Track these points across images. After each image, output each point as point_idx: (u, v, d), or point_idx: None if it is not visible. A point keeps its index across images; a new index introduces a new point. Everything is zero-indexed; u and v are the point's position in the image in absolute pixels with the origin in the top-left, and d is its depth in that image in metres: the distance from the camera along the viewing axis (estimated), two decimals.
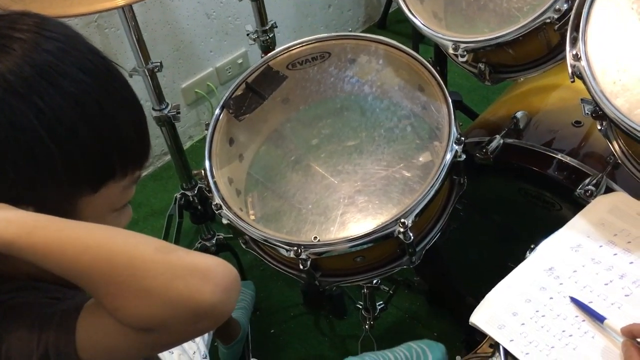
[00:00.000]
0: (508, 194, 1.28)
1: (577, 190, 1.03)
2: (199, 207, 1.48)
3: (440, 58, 1.61)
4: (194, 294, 0.53)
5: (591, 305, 0.75)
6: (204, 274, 0.55)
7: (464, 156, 1.02)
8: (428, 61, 1.09)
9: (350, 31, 2.59)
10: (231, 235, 1.49)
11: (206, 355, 1.14)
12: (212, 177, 1.05)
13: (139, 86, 1.84)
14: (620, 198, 0.89)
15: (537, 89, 1.36)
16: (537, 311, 0.76)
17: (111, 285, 0.54)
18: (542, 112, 1.27)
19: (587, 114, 0.95)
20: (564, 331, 0.73)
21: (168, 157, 2.15)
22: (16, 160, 0.58)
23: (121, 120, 0.63)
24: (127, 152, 0.65)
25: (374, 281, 1.41)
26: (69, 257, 0.54)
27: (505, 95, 1.48)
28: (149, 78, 1.25)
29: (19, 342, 0.58)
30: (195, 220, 1.54)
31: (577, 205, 1.00)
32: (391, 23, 2.72)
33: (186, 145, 2.25)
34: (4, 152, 0.57)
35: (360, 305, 1.47)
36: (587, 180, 1.03)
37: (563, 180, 1.10)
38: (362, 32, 2.65)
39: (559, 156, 1.14)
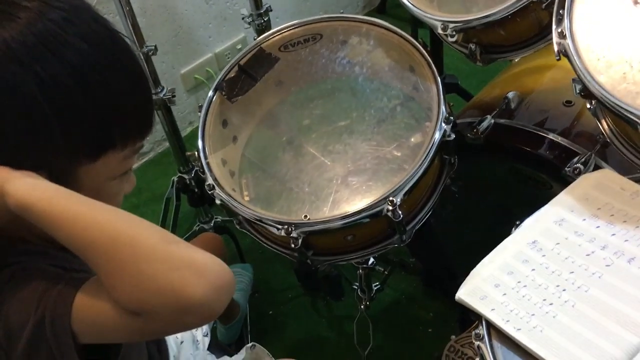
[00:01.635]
0: (500, 174, 1.29)
1: (566, 168, 1.04)
2: (196, 189, 1.50)
3: (436, 41, 1.61)
4: (186, 287, 0.55)
5: (572, 275, 0.77)
6: (200, 270, 0.56)
7: (453, 135, 1.03)
8: (418, 42, 1.10)
9: None
10: (230, 218, 1.51)
11: (207, 334, 1.16)
12: (205, 157, 1.06)
13: None
14: (604, 174, 0.90)
15: (530, 69, 1.37)
16: (518, 282, 0.78)
17: (111, 263, 0.56)
18: (535, 93, 1.28)
19: (578, 93, 0.96)
20: (544, 300, 0.75)
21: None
22: (16, 126, 0.60)
23: (123, 91, 0.64)
24: (128, 123, 0.66)
25: (369, 262, 1.43)
26: (78, 229, 0.57)
27: (499, 77, 1.49)
28: (144, 61, 1.27)
29: (19, 305, 0.60)
30: (193, 203, 1.56)
31: (567, 184, 1.01)
32: (390, 7, 2.72)
33: (186, 130, 2.26)
34: (4, 118, 0.59)
35: (356, 286, 1.49)
36: (575, 159, 1.04)
37: (553, 160, 1.12)
38: None
39: (549, 136, 1.15)
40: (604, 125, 1.00)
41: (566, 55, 0.89)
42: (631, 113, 0.81)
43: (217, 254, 1.26)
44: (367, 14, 2.72)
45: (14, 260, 0.64)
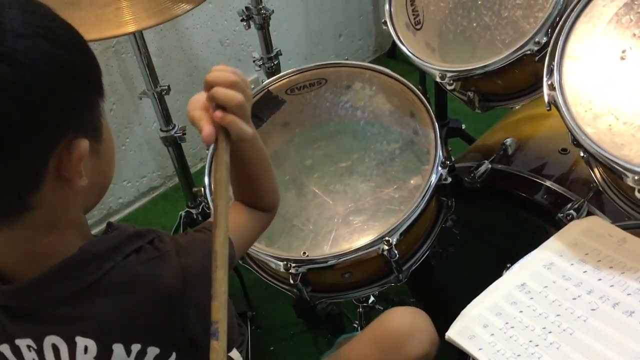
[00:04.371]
0: (498, 218, 1.32)
1: (559, 214, 1.07)
2: None
3: (440, 86, 1.66)
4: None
5: (558, 318, 0.79)
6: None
7: (450, 179, 1.07)
8: (418, 88, 1.15)
9: (364, 60, 2.67)
10: None
11: None
12: (211, 194, 1.11)
13: (148, 108, 1.91)
14: (593, 221, 0.93)
15: (529, 117, 1.41)
16: (506, 323, 0.80)
17: (271, 177, 0.85)
18: (532, 140, 1.32)
19: (572, 142, 0.99)
20: (530, 341, 0.77)
21: None
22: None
23: (88, 52, 0.62)
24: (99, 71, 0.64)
25: (370, 300, 1.46)
26: (263, 157, 0.80)
27: (500, 122, 1.53)
28: (157, 100, 1.33)
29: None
30: None
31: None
32: (401, 52, 2.77)
33: (197, 167, 2.32)
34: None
35: (357, 324, 1.50)
36: (568, 205, 1.08)
37: (548, 205, 1.15)
38: (372, 61, 2.72)
39: (545, 182, 1.18)
40: (597, 174, 1.04)
41: (556, 106, 0.93)
42: (616, 163, 0.84)
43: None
44: (377, 58, 2.80)
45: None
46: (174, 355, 0.66)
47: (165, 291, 0.64)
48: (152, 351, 0.65)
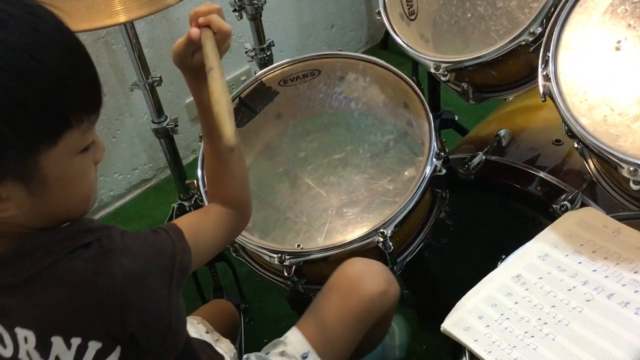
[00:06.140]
0: (492, 210, 1.32)
1: (553, 205, 1.07)
2: None
3: (434, 77, 1.66)
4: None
5: (553, 309, 0.79)
6: None
7: (444, 170, 1.07)
8: (412, 80, 1.14)
9: (356, 51, 2.66)
10: (227, 246, 1.54)
11: None
12: (204, 186, 1.10)
13: (139, 99, 1.90)
14: (588, 212, 0.93)
15: (522, 108, 1.41)
16: (502, 314, 0.80)
17: (245, 178, 0.89)
18: (526, 131, 1.32)
19: (566, 133, 0.99)
20: (526, 332, 0.77)
21: None
22: None
23: (61, 70, 0.59)
24: (78, 100, 0.62)
25: None
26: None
27: (494, 114, 1.53)
28: (149, 92, 1.31)
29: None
30: None
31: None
32: (393, 43, 2.73)
33: (189, 158, 2.30)
34: None
35: None
36: (562, 197, 1.08)
37: (542, 197, 1.15)
38: (365, 52, 2.71)
39: (539, 173, 1.18)
40: (590, 165, 1.04)
41: (551, 97, 0.93)
42: (611, 154, 0.84)
43: (231, 322, 1.26)
44: (370, 49, 2.79)
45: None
46: (118, 348, 0.65)
47: (101, 290, 0.63)
48: (94, 345, 0.64)
